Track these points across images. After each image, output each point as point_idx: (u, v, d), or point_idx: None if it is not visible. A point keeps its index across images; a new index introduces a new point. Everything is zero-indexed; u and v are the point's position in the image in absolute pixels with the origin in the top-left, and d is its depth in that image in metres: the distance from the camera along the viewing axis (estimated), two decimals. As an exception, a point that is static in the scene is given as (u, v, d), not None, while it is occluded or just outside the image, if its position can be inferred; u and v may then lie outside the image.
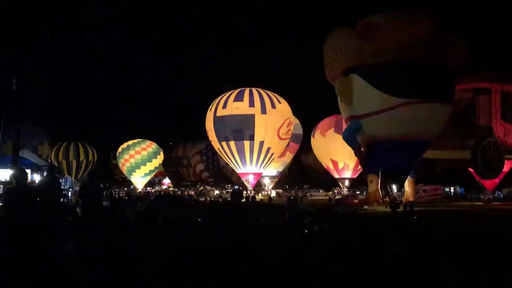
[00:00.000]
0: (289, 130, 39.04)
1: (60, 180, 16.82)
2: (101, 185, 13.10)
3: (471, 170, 32.30)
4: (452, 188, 49.18)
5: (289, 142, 41.44)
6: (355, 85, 21.91)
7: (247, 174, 39.69)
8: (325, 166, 46.16)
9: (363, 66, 21.42)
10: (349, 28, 22.92)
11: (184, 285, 5.36)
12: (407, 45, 20.62)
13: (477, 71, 30.42)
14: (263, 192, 51.19)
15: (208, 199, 34.70)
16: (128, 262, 6.03)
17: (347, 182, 46.10)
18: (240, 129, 36.87)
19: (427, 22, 22.20)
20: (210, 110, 39.08)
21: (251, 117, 36.82)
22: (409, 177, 26.92)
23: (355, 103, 22.44)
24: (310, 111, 67.90)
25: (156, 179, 68.17)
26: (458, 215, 22.07)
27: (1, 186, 19.29)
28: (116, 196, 32.85)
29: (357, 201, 30.88)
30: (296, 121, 43.19)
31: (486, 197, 35.90)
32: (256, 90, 38.61)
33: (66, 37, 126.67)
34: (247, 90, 38.38)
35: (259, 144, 37.30)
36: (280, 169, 49.92)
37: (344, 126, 28.72)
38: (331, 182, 52.62)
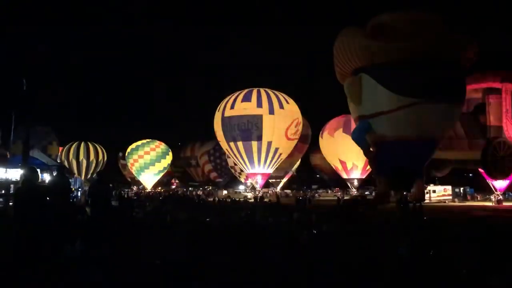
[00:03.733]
0: (297, 130, 38.95)
1: (70, 180, 16.93)
2: (110, 185, 13.16)
3: (481, 170, 32.01)
4: (461, 188, 48.79)
5: (297, 143, 41.35)
6: (365, 85, 21.75)
7: (255, 174, 39.68)
8: (334, 167, 46.03)
9: (372, 66, 21.25)
10: (359, 27, 22.79)
11: (191, 285, 5.37)
12: (418, 45, 20.43)
13: (487, 71, 30.13)
14: (270, 192, 51.16)
15: (217, 199, 34.74)
16: (136, 261, 6.05)
17: (356, 183, 45.94)
18: (248, 130, 36.85)
19: (437, 21, 22.02)
20: (218, 110, 39.13)
21: (259, 118, 36.79)
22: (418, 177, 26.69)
23: (364, 103, 22.28)
24: (319, 111, 67.89)
25: (165, 179, 68.42)
26: (467, 215, 21.88)
27: (12, 185, 19.44)
28: (125, 196, 32.98)
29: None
30: (304, 121, 43.09)
31: (496, 198, 35.55)
32: (264, 90, 38.56)
33: (76, 38, 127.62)
34: (255, 91, 38.35)
35: (267, 144, 37.26)
36: (288, 170, 49.85)
37: (353, 126, 28.55)
38: (339, 183, 52.50)
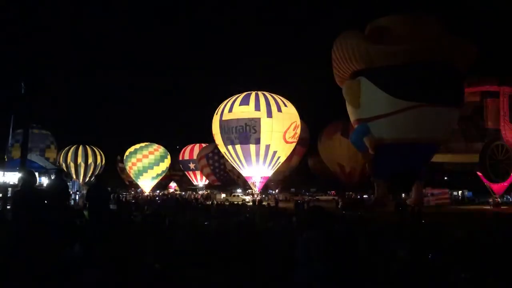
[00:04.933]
0: (296, 133, 38.93)
1: (68, 183, 16.89)
2: (109, 189, 13.14)
3: (479, 173, 32.06)
4: (460, 191, 48.81)
5: (296, 146, 41.34)
6: (363, 88, 21.83)
7: (254, 177, 39.64)
8: (332, 170, 46.02)
9: (371, 69, 21.32)
10: (357, 31, 22.86)
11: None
12: (416, 48, 20.52)
13: (485, 74, 30.22)
14: (269, 196, 51.12)
15: (215, 202, 34.70)
16: (134, 265, 6.03)
17: (353, 186, 45.92)
18: (246, 133, 36.84)
19: (436, 24, 22.09)
20: (216, 114, 39.13)
21: (257, 121, 36.79)
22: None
23: (362, 106, 22.35)
24: (317, 115, 67.97)
25: (163, 183, 68.30)
26: (466, 218, 21.87)
27: (10, 189, 19.39)
28: (123, 199, 32.91)
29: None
30: (303, 124, 43.09)
31: (494, 201, 35.57)
32: (262, 93, 38.57)
33: (74, 40, 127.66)
34: (253, 94, 38.36)
35: (265, 147, 37.24)
36: (287, 173, 49.82)
37: (352, 129, 28.58)
38: (338, 186, 52.47)
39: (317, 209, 5.17)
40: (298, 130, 39.47)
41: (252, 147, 37.15)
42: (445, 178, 34.14)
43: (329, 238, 4.67)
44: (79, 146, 50.39)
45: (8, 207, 13.06)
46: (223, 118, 37.99)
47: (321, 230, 4.55)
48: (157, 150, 55.66)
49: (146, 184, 56.46)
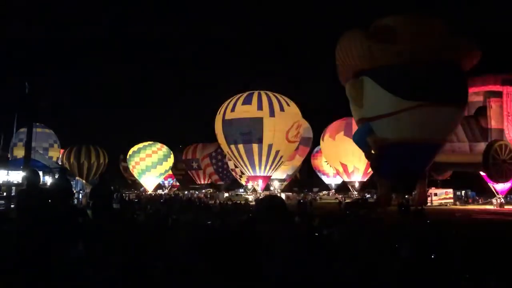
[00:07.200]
0: (298, 133, 38.94)
1: (71, 182, 16.92)
2: (112, 187, 13.18)
3: (482, 173, 31.97)
4: (463, 191, 48.72)
5: (298, 145, 41.34)
6: (366, 87, 21.77)
7: (257, 177, 39.67)
8: (335, 170, 46.02)
9: (374, 68, 21.25)
10: (361, 30, 22.82)
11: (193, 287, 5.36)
12: (419, 48, 20.45)
13: (488, 74, 30.13)
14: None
15: (218, 201, 34.70)
16: (138, 265, 6.05)
17: (357, 185, 45.91)
18: (248, 132, 36.88)
19: (439, 24, 22.04)
20: (219, 113, 39.17)
21: (259, 120, 36.83)
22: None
23: (365, 106, 22.30)
24: (321, 114, 68.00)
25: (166, 182, 68.41)
26: (470, 219, 21.82)
27: (14, 188, 19.47)
28: (127, 198, 32.95)
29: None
30: (306, 124, 43.07)
31: (498, 201, 35.49)
32: (265, 93, 38.59)
33: (77, 40, 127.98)
34: (255, 93, 38.39)
35: (268, 147, 37.27)
36: (290, 172, 49.83)
37: (354, 128, 28.57)
38: (340, 186, 52.46)
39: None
40: (301, 130, 39.50)
41: (255, 146, 37.19)
42: (449, 178, 34.02)
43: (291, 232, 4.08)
44: (82, 145, 50.55)
45: (12, 206, 13.12)
46: (226, 118, 38.03)
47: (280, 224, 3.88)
48: (160, 149, 55.78)
49: (149, 183, 56.55)
